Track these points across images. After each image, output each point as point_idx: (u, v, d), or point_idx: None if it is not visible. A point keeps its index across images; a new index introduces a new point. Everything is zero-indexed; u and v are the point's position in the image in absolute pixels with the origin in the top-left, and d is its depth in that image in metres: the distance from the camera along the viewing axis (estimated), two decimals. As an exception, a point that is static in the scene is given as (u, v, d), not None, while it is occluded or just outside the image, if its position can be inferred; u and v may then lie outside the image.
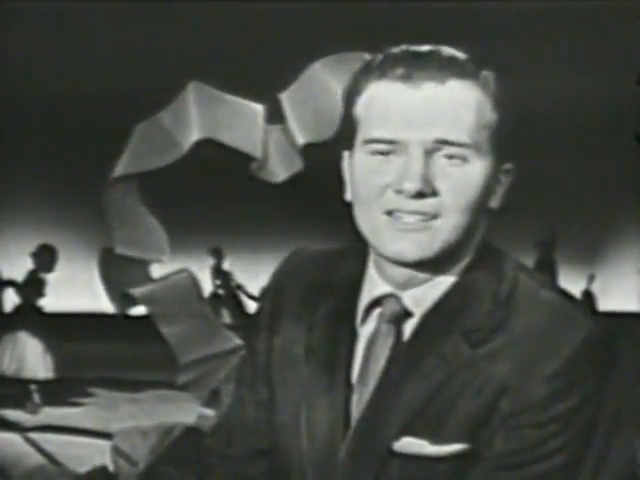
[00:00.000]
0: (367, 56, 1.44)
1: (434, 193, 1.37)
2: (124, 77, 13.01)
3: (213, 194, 12.60)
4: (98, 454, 5.82)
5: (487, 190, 1.41)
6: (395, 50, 1.41)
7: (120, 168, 5.02)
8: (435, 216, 1.38)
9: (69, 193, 13.33)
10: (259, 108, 4.98)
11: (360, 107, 1.41)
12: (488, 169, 1.40)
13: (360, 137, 1.41)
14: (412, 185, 1.36)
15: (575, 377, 1.36)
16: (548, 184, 13.25)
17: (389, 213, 1.38)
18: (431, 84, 1.36)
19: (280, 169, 4.97)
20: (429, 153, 1.37)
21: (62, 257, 8.74)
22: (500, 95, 1.41)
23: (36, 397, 8.26)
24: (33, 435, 7.17)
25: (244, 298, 11.04)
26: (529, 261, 11.25)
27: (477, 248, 1.44)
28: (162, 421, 5.97)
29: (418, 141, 1.36)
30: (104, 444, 5.88)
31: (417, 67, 1.37)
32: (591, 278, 12.47)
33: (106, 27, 13.04)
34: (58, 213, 13.66)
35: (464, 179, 1.38)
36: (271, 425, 1.51)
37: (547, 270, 11.47)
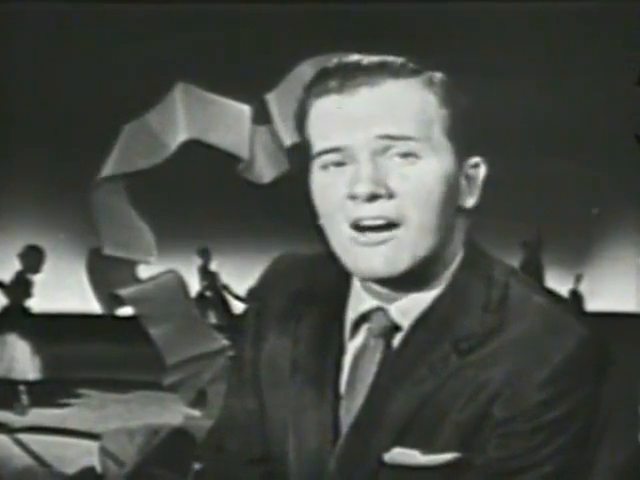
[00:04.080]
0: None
1: (390, 195, 1.34)
2: (110, 79, 12.99)
3: (200, 195, 12.58)
4: (85, 455, 5.81)
5: (451, 188, 1.37)
6: (328, 64, 1.40)
7: (107, 169, 5.02)
8: (397, 223, 1.35)
9: (56, 194, 13.30)
10: (246, 109, 4.99)
11: (308, 128, 1.40)
12: (448, 166, 1.37)
13: (311, 155, 1.40)
14: (363, 188, 1.33)
15: (567, 384, 1.34)
16: (541, 184, 13.26)
17: (354, 226, 1.36)
18: (365, 88, 1.35)
19: (267, 170, 4.97)
20: (377, 154, 1.35)
21: (49, 258, 8.72)
22: (450, 94, 1.38)
23: (24, 398, 8.24)
24: (21, 436, 7.15)
25: (230, 298, 11.03)
26: (515, 261, 11.25)
27: (463, 254, 1.42)
28: (149, 422, 5.97)
29: (362, 143, 1.34)
30: (91, 445, 5.86)
31: (349, 77, 1.36)
32: (578, 278, 12.48)
33: (98, 30, 13.02)
34: (45, 214, 13.62)
35: (420, 177, 1.35)
36: (262, 433, 1.50)
37: (533, 270, 11.47)
